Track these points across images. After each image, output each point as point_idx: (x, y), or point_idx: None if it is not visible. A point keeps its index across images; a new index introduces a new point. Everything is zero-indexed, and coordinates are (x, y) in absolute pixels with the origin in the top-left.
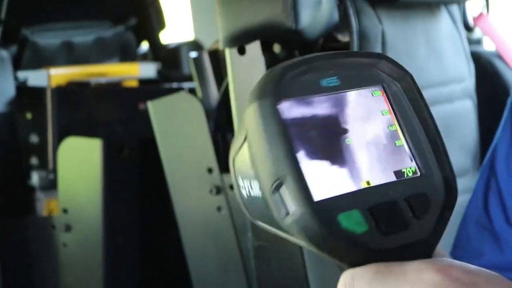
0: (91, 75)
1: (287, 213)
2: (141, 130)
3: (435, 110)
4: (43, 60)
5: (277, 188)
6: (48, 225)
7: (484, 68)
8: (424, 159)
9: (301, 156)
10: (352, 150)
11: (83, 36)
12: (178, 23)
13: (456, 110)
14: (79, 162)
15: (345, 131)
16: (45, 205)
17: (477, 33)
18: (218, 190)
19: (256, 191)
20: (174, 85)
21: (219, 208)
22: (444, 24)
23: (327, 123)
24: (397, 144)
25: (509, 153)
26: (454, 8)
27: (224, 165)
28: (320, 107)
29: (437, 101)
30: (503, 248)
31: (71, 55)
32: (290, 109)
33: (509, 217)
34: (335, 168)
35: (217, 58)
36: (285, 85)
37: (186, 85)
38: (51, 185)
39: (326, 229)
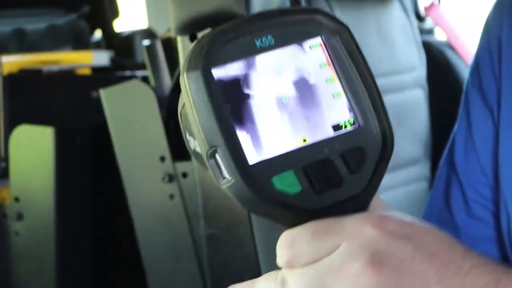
0: (44, 62)
1: (223, 177)
2: (93, 118)
3: (386, 99)
4: None
5: (212, 155)
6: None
7: (435, 58)
8: (362, 110)
9: (236, 121)
10: (289, 108)
11: (35, 24)
12: (132, 11)
13: (407, 99)
14: (31, 150)
15: (282, 89)
16: None
17: (428, 23)
18: (171, 178)
19: (198, 149)
20: (127, 73)
21: (171, 196)
22: (395, 14)
23: (262, 83)
24: (335, 97)
25: (466, 145)
26: None
27: (176, 154)
28: (255, 67)
29: (388, 90)
30: (464, 241)
31: (23, 42)
32: (225, 74)
33: (471, 209)
34: (272, 129)
35: (170, 46)
36: (217, 51)
37: (139, 73)
38: (2, 174)
39: (259, 193)
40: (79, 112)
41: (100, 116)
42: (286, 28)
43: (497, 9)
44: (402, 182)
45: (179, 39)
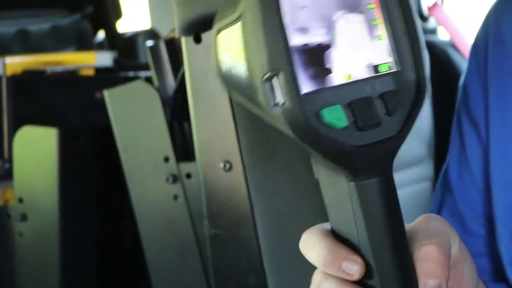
0: (47, 63)
1: (276, 104)
2: (97, 119)
3: None
4: None
5: (269, 79)
6: (3, 214)
7: (439, 58)
8: (402, 56)
9: (295, 46)
10: (338, 44)
11: (38, 24)
12: (135, 11)
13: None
14: (35, 151)
15: (334, 22)
16: (0, 194)
17: (431, 22)
18: (175, 178)
19: (241, 71)
20: (131, 73)
21: (175, 197)
22: None
23: (317, 19)
24: (378, 39)
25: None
26: None
27: (180, 154)
28: (313, 4)
29: None
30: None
31: (26, 43)
32: (288, 4)
33: (468, 227)
34: (324, 60)
35: (173, 47)
36: None
37: (143, 73)
38: (6, 175)
39: (309, 123)
40: (83, 113)
41: (104, 117)
42: None
43: (483, 31)
44: (407, 182)
45: (183, 40)
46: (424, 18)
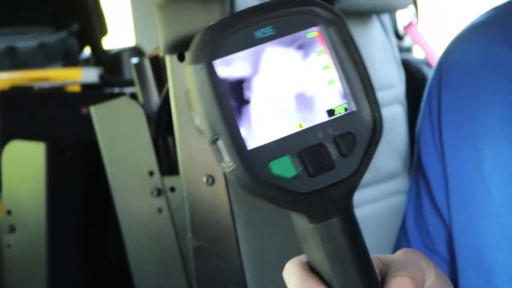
0: (35, 79)
1: (224, 162)
2: (84, 134)
3: None
4: None
5: (214, 141)
6: None
7: (414, 75)
8: (355, 97)
9: (237, 109)
10: (287, 95)
11: (26, 41)
12: (120, 29)
13: (387, 116)
14: (23, 165)
15: (281, 76)
16: None
17: (407, 41)
18: (159, 192)
19: (202, 128)
20: (116, 90)
21: (160, 210)
22: (375, 32)
23: (261, 72)
24: (330, 83)
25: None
26: (385, 17)
27: (164, 168)
28: (255, 57)
29: None
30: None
31: (14, 59)
32: (227, 65)
33: (442, 214)
34: (270, 115)
35: (158, 64)
36: (219, 43)
37: (128, 90)
38: None
39: (257, 178)
40: (69, 128)
41: (90, 132)
42: (285, 19)
43: (435, 80)
44: (384, 195)
45: (167, 58)
46: (400, 37)
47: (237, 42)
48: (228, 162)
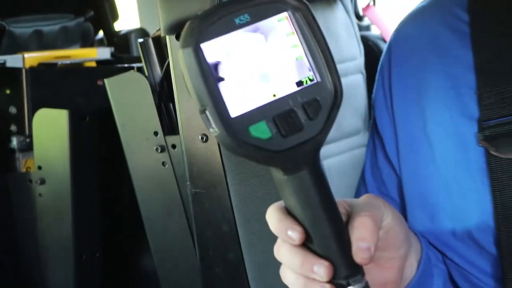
0: (58, 57)
1: (212, 128)
2: (100, 102)
3: None
4: (18, 46)
5: (203, 112)
6: (26, 179)
7: (372, 49)
8: (319, 69)
9: (220, 83)
10: (262, 70)
11: (50, 26)
12: (127, 14)
13: (349, 83)
14: (50, 128)
15: (256, 55)
16: (23, 163)
17: (366, 21)
18: (163, 149)
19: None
20: (125, 65)
21: (163, 163)
22: (339, 14)
23: (242, 50)
24: (298, 59)
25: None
26: (347, 1)
27: (167, 129)
28: (236, 39)
29: None
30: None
31: (41, 41)
32: (211, 48)
33: (393, 165)
34: (248, 88)
35: (159, 43)
36: (204, 30)
37: (135, 65)
38: (28, 147)
39: (238, 140)
40: (87, 97)
41: (105, 100)
42: (259, 7)
43: (386, 55)
44: (347, 149)
45: (167, 38)
46: (359, 18)
47: (219, 28)
48: (214, 129)
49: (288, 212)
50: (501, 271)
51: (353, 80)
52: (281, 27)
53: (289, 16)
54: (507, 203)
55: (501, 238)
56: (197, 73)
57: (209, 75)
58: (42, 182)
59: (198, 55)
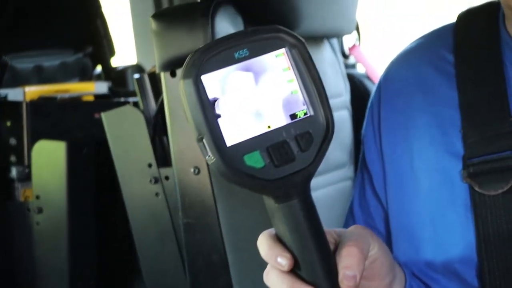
0: (57, 91)
1: (208, 156)
2: (97, 134)
3: None
4: (19, 80)
5: (200, 140)
6: (24, 208)
7: (357, 86)
8: (312, 104)
9: (219, 112)
10: (259, 102)
11: (50, 61)
12: (125, 50)
13: (336, 118)
14: (48, 159)
15: (254, 88)
16: (22, 193)
17: (352, 59)
18: (156, 180)
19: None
20: (122, 99)
21: (157, 194)
22: (326, 52)
23: (240, 83)
24: (293, 93)
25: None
26: (334, 41)
27: (160, 162)
28: (235, 72)
29: None
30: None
31: (41, 76)
32: (211, 79)
33: (380, 199)
34: (245, 117)
35: (155, 79)
36: (203, 62)
37: (131, 99)
38: (26, 177)
39: (232, 168)
40: (85, 130)
41: (102, 133)
42: (258, 43)
43: (376, 94)
44: (332, 181)
45: (162, 74)
46: (345, 56)
47: (219, 61)
48: (210, 156)
49: (278, 239)
50: None
51: (340, 116)
52: (278, 62)
53: (286, 52)
54: (489, 238)
55: (483, 272)
56: (196, 103)
57: (207, 106)
58: (40, 211)
59: (198, 86)
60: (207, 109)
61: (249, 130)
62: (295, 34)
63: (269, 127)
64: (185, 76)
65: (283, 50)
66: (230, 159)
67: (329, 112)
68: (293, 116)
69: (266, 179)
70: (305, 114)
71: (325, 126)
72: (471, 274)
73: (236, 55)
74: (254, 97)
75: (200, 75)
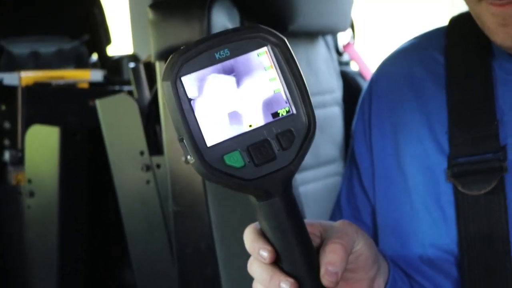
0: (53, 78)
1: (189, 156)
2: (90, 121)
3: None
4: (15, 65)
5: (181, 140)
6: (16, 192)
7: (350, 83)
8: (295, 102)
9: (199, 113)
10: (240, 102)
11: (47, 48)
12: (121, 40)
13: (327, 114)
14: (41, 144)
15: (235, 87)
16: (14, 176)
17: (345, 57)
18: (148, 168)
19: None
20: (117, 87)
21: (148, 182)
22: (320, 50)
23: (220, 84)
24: (275, 92)
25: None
26: (329, 38)
27: (152, 150)
28: (215, 73)
29: (314, 107)
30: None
31: (37, 62)
32: (192, 81)
33: (367, 193)
34: (226, 118)
35: (150, 68)
36: (182, 64)
37: (126, 88)
38: (19, 161)
39: (211, 168)
40: (79, 116)
41: (95, 120)
42: (239, 42)
43: (367, 91)
44: (323, 176)
45: (157, 63)
46: (339, 53)
47: (199, 62)
48: (190, 157)
49: (262, 233)
50: None
51: (331, 112)
52: (260, 61)
53: (269, 50)
54: (470, 234)
55: (463, 267)
56: (175, 106)
57: (187, 107)
58: (31, 195)
59: (177, 88)
60: (186, 111)
61: (230, 130)
62: (277, 33)
63: (250, 126)
64: (164, 78)
65: (265, 49)
66: (210, 159)
67: (311, 111)
68: (275, 114)
69: (245, 179)
70: (288, 112)
71: (307, 125)
72: (454, 268)
73: (217, 55)
74: (235, 96)
75: (180, 77)
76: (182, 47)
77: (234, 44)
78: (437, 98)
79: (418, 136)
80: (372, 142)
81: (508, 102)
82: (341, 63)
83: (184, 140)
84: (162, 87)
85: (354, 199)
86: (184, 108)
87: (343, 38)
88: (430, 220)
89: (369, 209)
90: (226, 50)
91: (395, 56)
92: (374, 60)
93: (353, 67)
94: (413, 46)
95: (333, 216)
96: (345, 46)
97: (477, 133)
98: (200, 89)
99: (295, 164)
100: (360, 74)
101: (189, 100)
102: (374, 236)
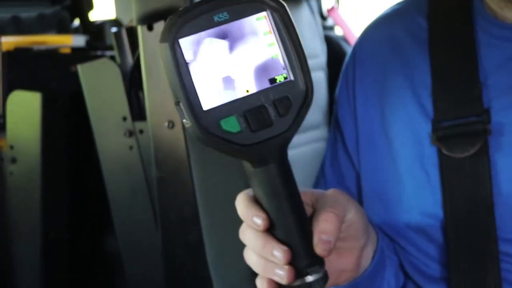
0: (34, 43)
1: (185, 119)
2: (72, 86)
3: None
4: None
5: (177, 104)
6: None
7: (334, 48)
8: (292, 68)
9: (196, 76)
10: (238, 66)
11: (28, 12)
12: (103, 4)
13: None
14: (23, 110)
15: (233, 51)
16: None
17: (330, 21)
18: (130, 133)
19: None
20: (99, 52)
21: (131, 147)
22: (304, 14)
23: (219, 47)
24: (273, 57)
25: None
26: (313, 2)
27: (135, 115)
28: (213, 36)
29: None
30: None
31: (18, 27)
32: (190, 43)
33: (352, 158)
34: (223, 82)
35: (132, 33)
36: (181, 26)
37: (108, 53)
38: (0, 127)
39: (208, 133)
40: (61, 82)
41: (77, 85)
42: (238, 6)
43: (351, 56)
44: (307, 141)
45: (139, 28)
46: (324, 18)
47: (198, 25)
48: (186, 121)
49: (256, 199)
50: (446, 257)
51: (315, 77)
52: (259, 25)
53: (268, 15)
54: (455, 197)
55: (448, 229)
56: (172, 68)
57: (184, 70)
58: (14, 161)
59: (175, 50)
60: (184, 73)
61: (226, 94)
62: None
63: (247, 91)
64: (162, 39)
65: (264, 14)
66: (206, 123)
67: (308, 78)
68: (272, 80)
69: (242, 144)
70: (285, 78)
71: (304, 91)
72: (438, 229)
73: (216, 18)
74: (232, 61)
75: (178, 39)
76: (181, 8)
77: (233, 7)
78: (420, 62)
79: (402, 100)
80: (356, 107)
81: (491, 65)
82: (325, 28)
83: (181, 103)
84: (159, 49)
85: (338, 164)
86: (181, 70)
87: (327, 2)
88: (414, 184)
89: (354, 175)
90: (225, 13)
91: (378, 21)
92: (358, 25)
93: (338, 32)
94: (397, 11)
95: (317, 183)
96: (329, 11)
97: (460, 96)
98: (198, 51)
99: (292, 131)
100: (344, 39)
101: (186, 63)
102: (359, 202)
